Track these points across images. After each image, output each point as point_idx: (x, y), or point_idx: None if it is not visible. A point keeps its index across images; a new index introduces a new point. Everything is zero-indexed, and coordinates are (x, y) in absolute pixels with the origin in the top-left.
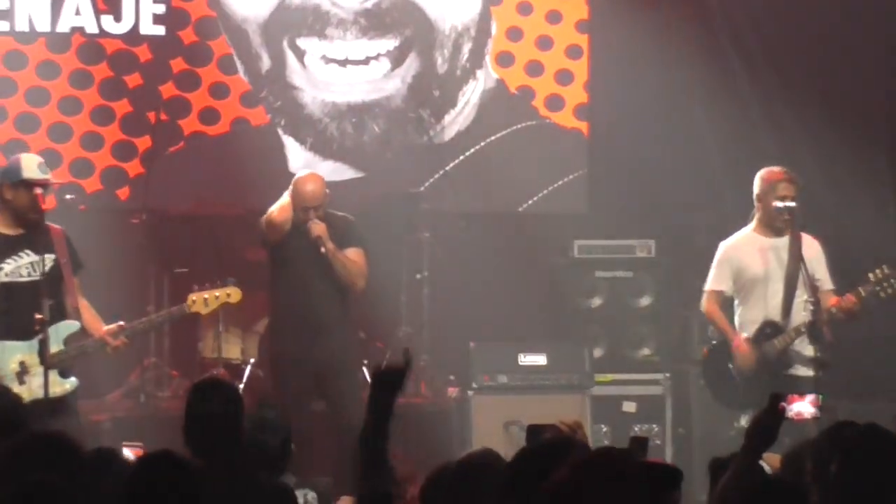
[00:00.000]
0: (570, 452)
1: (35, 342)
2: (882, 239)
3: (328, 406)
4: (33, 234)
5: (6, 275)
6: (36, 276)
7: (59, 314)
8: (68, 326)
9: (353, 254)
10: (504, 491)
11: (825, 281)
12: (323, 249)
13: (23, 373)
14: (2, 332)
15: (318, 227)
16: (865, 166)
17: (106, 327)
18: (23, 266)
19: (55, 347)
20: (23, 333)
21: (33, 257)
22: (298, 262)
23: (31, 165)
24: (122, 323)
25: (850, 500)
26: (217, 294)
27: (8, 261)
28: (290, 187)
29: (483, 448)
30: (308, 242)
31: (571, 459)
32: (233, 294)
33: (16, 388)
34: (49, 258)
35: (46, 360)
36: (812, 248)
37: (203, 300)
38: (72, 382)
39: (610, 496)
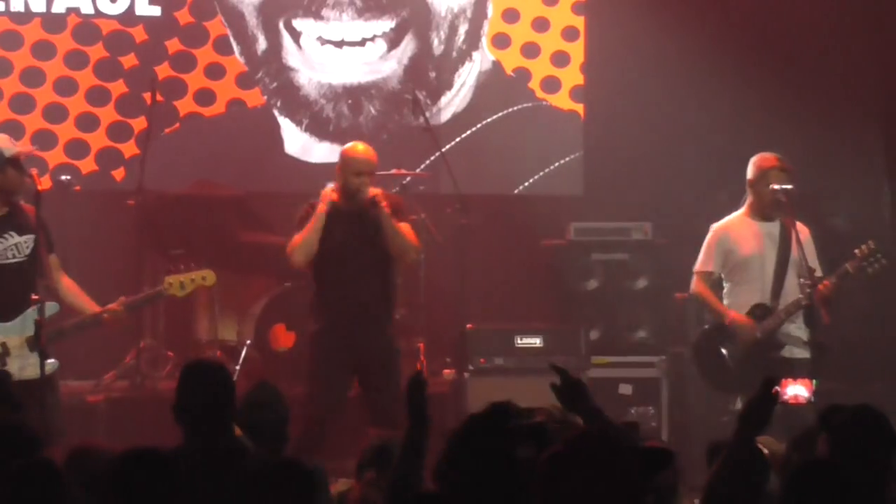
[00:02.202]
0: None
1: (17, 323)
2: (876, 224)
3: (365, 394)
4: (15, 215)
5: None
6: (21, 258)
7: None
8: (49, 308)
9: (403, 227)
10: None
11: (815, 268)
12: (379, 212)
13: (4, 354)
14: None
15: (373, 189)
16: (859, 150)
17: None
18: (8, 248)
19: (29, 331)
20: (5, 315)
21: (17, 238)
22: (347, 251)
23: (5, 143)
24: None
25: (842, 484)
26: (192, 277)
27: None
28: (339, 159)
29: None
30: (355, 230)
31: (566, 435)
32: (208, 277)
33: None
34: (30, 239)
35: (42, 341)
36: (803, 233)
37: (179, 283)
38: (51, 364)
39: (601, 472)
